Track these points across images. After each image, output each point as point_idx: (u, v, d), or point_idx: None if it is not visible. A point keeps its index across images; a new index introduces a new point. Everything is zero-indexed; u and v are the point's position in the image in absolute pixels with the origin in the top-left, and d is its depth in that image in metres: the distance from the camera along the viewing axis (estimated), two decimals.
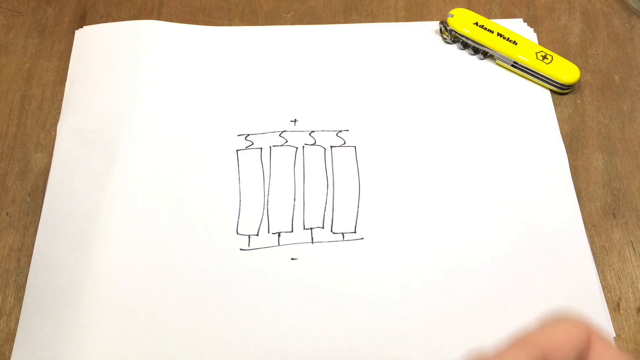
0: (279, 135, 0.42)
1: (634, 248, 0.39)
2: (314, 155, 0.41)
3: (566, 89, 0.44)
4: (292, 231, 0.39)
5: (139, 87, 0.43)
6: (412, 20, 0.48)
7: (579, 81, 0.44)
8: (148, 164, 0.40)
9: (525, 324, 0.25)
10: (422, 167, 0.41)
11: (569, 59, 0.44)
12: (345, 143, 0.42)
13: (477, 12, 0.46)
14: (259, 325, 0.35)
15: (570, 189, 0.40)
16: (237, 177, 0.40)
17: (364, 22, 0.47)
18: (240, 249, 0.38)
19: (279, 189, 0.40)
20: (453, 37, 0.46)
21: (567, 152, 0.42)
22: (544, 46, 0.46)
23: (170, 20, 0.47)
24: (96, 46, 0.45)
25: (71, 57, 0.45)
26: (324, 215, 0.39)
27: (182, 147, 0.41)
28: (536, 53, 0.44)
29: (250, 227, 0.39)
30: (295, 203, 0.39)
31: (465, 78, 0.45)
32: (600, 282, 0.37)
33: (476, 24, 0.45)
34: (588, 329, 0.23)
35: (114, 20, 0.47)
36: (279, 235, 0.38)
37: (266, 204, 0.39)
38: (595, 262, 0.38)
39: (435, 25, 0.47)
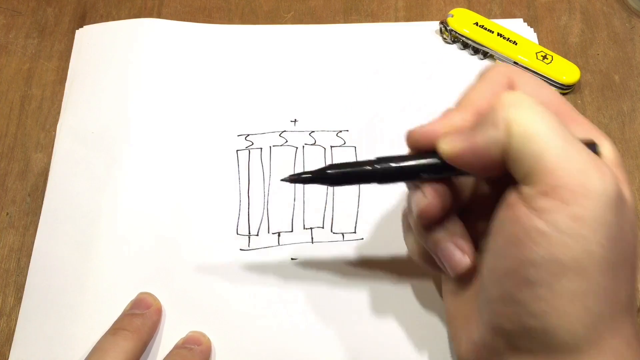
0: (279, 135, 0.42)
1: None
2: (314, 155, 0.41)
3: (566, 89, 0.44)
4: (292, 231, 0.39)
5: (139, 87, 0.43)
6: (412, 20, 0.48)
7: (579, 81, 0.44)
8: (148, 164, 0.40)
9: None
10: None
11: (569, 59, 0.44)
12: (345, 143, 0.42)
13: (477, 12, 0.46)
14: (259, 325, 0.35)
15: None
16: (237, 177, 0.40)
17: (364, 22, 0.47)
18: (240, 249, 0.38)
19: (279, 189, 0.40)
20: (453, 37, 0.46)
21: None
22: (544, 46, 0.46)
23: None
24: (96, 46, 0.45)
25: (71, 57, 0.45)
26: (324, 215, 0.39)
27: (182, 147, 0.41)
28: (536, 53, 0.44)
29: (250, 227, 0.39)
30: (295, 203, 0.39)
31: (466, 78, 0.45)
32: None
33: (476, 24, 0.45)
34: (508, 71, 0.26)
35: (114, 20, 0.47)
36: (279, 235, 0.38)
37: (266, 204, 0.39)
38: None
39: (435, 25, 0.47)
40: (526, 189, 0.22)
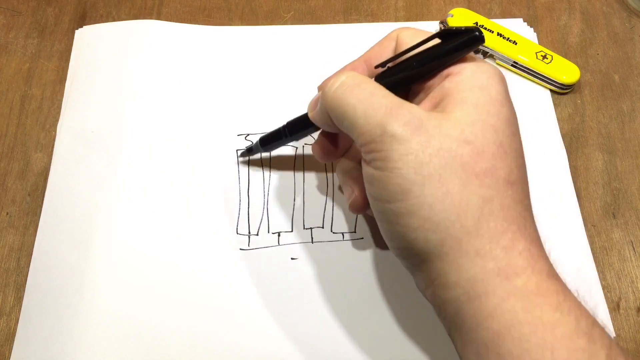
0: None
1: (633, 248, 0.39)
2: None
3: (566, 89, 0.44)
4: (292, 231, 0.39)
5: (139, 87, 0.43)
6: (412, 20, 0.48)
7: (579, 81, 0.44)
8: (148, 163, 0.40)
9: None
10: None
11: (569, 59, 0.44)
12: None
13: (477, 12, 0.46)
14: (259, 325, 0.35)
15: (570, 189, 0.40)
16: (237, 177, 0.40)
17: (364, 22, 0.47)
18: (240, 249, 0.38)
19: (279, 189, 0.40)
20: None
21: (567, 152, 0.42)
22: (544, 46, 0.46)
23: (170, 20, 0.47)
24: (96, 46, 0.45)
25: (71, 57, 0.45)
26: (324, 215, 0.39)
27: (182, 147, 0.41)
28: (536, 53, 0.44)
29: (250, 227, 0.39)
30: (295, 203, 0.40)
31: None
32: (600, 282, 0.37)
33: (476, 23, 0.45)
34: (397, 30, 0.32)
35: (114, 20, 0.47)
36: (279, 235, 0.38)
37: (266, 203, 0.39)
38: (595, 262, 0.38)
39: (435, 25, 0.47)
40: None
